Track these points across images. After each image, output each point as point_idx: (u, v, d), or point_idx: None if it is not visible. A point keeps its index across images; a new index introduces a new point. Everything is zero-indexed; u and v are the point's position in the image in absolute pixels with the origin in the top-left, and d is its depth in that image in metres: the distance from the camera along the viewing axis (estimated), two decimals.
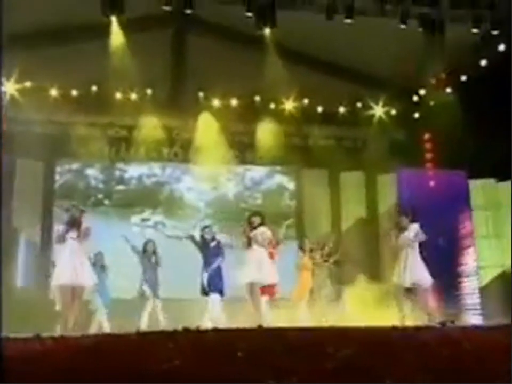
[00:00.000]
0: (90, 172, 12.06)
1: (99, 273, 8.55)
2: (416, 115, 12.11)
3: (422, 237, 7.76)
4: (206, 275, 8.51)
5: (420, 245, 7.95)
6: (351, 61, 11.44)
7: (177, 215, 12.15)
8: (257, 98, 11.88)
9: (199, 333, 4.80)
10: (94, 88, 11.26)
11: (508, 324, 6.37)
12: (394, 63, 10.62)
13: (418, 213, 8.38)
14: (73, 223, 6.80)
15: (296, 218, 12.46)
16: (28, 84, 10.89)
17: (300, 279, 9.82)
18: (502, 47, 9.99)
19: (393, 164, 11.47)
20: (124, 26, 9.92)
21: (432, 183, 11.70)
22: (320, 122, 12.24)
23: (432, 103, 11.59)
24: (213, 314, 8.22)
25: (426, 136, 12.04)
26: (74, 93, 11.26)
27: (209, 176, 12.11)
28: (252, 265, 7.17)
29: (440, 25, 9.50)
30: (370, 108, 12.24)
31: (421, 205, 9.83)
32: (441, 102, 11.14)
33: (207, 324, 7.61)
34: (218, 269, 8.62)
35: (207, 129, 11.84)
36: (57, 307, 7.43)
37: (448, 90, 11.22)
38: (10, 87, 10.79)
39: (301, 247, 10.47)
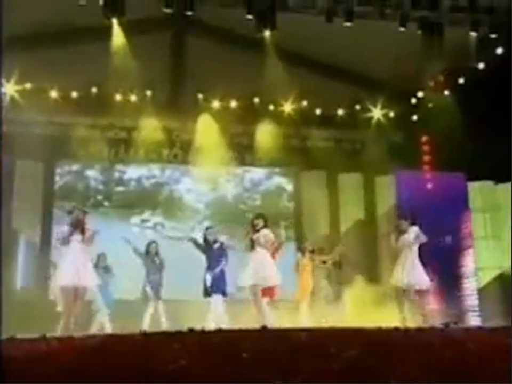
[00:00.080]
0: (90, 173, 12.09)
1: (102, 274, 8.57)
2: (415, 117, 12.16)
3: (423, 238, 7.80)
4: (209, 276, 8.53)
5: (420, 247, 8.00)
6: (350, 63, 11.51)
7: (176, 216, 12.19)
8: (256, 100, 11.93)
9: (204, 333, 4.83)
10: (94, 89, 11.30)
11: (509, 325, 6.43)
12: (393, 66, 10.68)
13: (417, 215, 8.43)
14: (77, 225, 6.82)
15: (295, 219, 12.53)
16: (28, 85, 10.93)
17: (300, 280, 9.85)
18: (500, 51, 10.03)
19: (392, 166, 11.51)
20: (124, 28, 9.93)
21: (430, 185, 11.74)
22: (319, 124, 12.29)
23: (430, 105, 11.64)
24: (216, 316, 8.24)
25: (425, 138, 12.08)
26: (74, 94, 11.30)
27: (208, 177, 12.14)
28: (255, 267, 7.20)
29: (439, 29, 9.56)
30: (369, 110, 12.29)
31: (419, 207, 9.88)
32: (439, 104, 11.19)
33: (210, 325, 7.63)
34: (221, 270, 8.64)
35: (206, 130, 11.88)
36: (59, 308, 7.45)
37: (447, 93, 11.28)
38: (11, 88, 10.82)
39: (300, 249, 10.51)
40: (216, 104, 11.84)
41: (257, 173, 12.76)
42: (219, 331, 5.26)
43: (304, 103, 12.00)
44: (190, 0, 9.11)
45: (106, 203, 12.00)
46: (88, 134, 11.54)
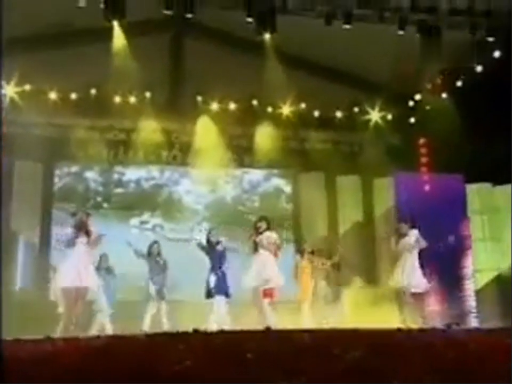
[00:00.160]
0: (89, 174, 12.08)
1: (104, 275, 8.59)
2: (413, 120, 12.21)
3: (423, 243, 7.84)
4: (212, 278, 8.55)
5: (420, 251, 8.04)
6: (348, 66, 11.55)
7: (175, 217, 12.20)
8: (255, 102, 11.97)
9: (208, 334, 4.85)
10: (93, 91, 11.31)
11: (509, 326, 6.48)
12: (391, 69, 10.73)
13: (416, 217, 8.47)
14: (81, 227, 6.84)
15: (293, 221, 12.56)
16: (27, 86, 10.93)
17: (300, 282, 9.88)
18: (497, 54, 10.09)
19: (390, 168, 11.56)
20: (123, 30, 9.95)
21: (428, 187, 11.79)
22: (317, 127, 12.34)
23: (428, 108, 11.69)
24: (218, 317, 8.26)
25: (423, 140, 12.14)
26: (73, 96, 11.31)
27: (207, 179, 12.17)
28: (258, 269, 7.23)
29: (437, 32, 9.62)
30: (367, 112, 12.34)
31: (417, 209, 9.94)
32: (437, 107, 11.25)
33: (212, 327, 7.66)
34: (224, 271, 8.67)
35: (205, 132, 11.90)
36: (60, 309, 7.47)
37: (444, 95, 11.34)
38: (10, 90, 10.82)
39: (299, 250, 10.54)
40: (215, 106, 11.88)
41: (256, 174, 12.79)
42: (223, 332, 5.29)
43: (303, 105, 12.05)
44: (190, 3, 9.15)
45: (105, 205, 12.00)
46: (88, 135, 11.55)
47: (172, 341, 4.15)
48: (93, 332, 8.37)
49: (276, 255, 7.55)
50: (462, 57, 10.61)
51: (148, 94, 11.53)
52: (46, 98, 11.14)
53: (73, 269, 6.76)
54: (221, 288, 8.51)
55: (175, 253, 9.91)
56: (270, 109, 12.07)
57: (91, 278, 7.00)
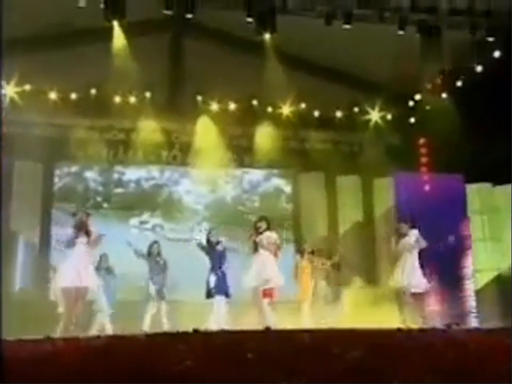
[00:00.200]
0: (89, 174, 12.09)
1: (104, 275, 8.59)
2: (413, 120, 12.22)
3: (423, 243, 7.85)
4: (212, 278, 8.55)
5: (420, 251, 8.04)
6: (348, 66, 11.55)
7: (175, 217, 12.21)
8: (255, 102, 11.98)
9: (208, 334, 4.86)
10: (93, 91, 11.32)
11: (509, 326, 6.49)
12: (391, 69, 10.73)
13: (416, 217, 8.48)
14: (81, 227, 6.85)
15: (293, 221, 12.56)
16: (27, 86, 10.94)
17: (300, 282, 9.89)
18: (497, 54, 10.09)
19: (390, 168, 11.57)
20: (123, 30, 9.96)
21: (428, 187, 11.80)
22: (317, 127, 12.35)
23: (428, 108, 11.70)
24: (219, 317, 8.27)
25: (423, 140, 12.15)
26: (73, 96, 11.31)
27: (207, 179, 12.18)
28: (258, 269, 7.24)
29: (437, 32, 9.62)
30: (367, 112, 12.34)
31: (417, 209, 9.95)
32: (437, 107, 11.25)
33: (212, 327, 7.66)
34: (224, 271, 8.67)
35: (205, 132, 11.91)
36: (60, 309, 7.47)
37: (444, 95, 11.34)
38: (10, 90, 10.83)
39: (299, 250, 10.55)
40: (215, 106, 11.88)
41: (255, 174, 12.80)
42: (223, 332, 5.30)
43: (303, 105, 12.06)
44: (190, 3, 9.15)
45: (105, 204, 12.01)
46: (87, 135, 11.56)
47: (172, 341, 4.15)
48: (93, 332, 8.38)
49: (275, 255, 7.56)
50: (462, 57, 10.63)
51: (147, 94, 11.55)
52: (46, 98, 11.16)
53: (73, 269, 6.76)
54: (221, 288, 8.51)
55: (175, 253, 9.92)
56: (270, 109, 12.09)
57: (91, 278, 7.00)
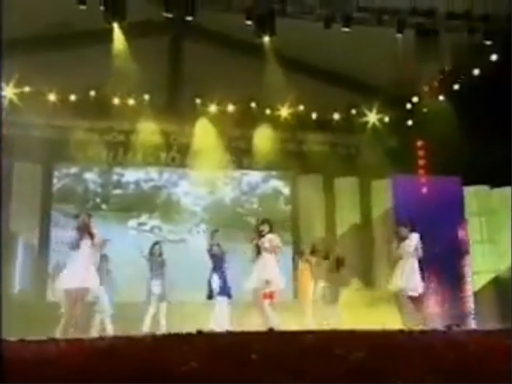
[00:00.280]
0: (88, 176, 12.13)
1: (104, 277, 8.60)
2: (410, 122, 12.28)
3: (420, 252, 7.89)
4: (213, 279, 8.58)
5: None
6: (346, 68, 11.61)
7: (174, 219, 12.25)
8: (254, 104, 12.01)
9: (213, 336, 4.89)
10: (93, 93, 11.34)
11: (509, 327, 6.53)
12: (389, 71, 10.78)
13: (414, 219, 8.51)
14: (84, 229, 6.87)
15: (292, 223, 12.60)
16: (27, 88, 10.95)
17: (299, 283, 9.92)
18: (494, 57, 10.15)
19: (388, 170, 11.62)
20: (123, 32, 9.99)
21: (426, 190, 11.84)
22: (315, 129, 12.39)
23: (426, 110, 11.76)
24: (221, 318, 8.29)
25: (421, 143, 12.20)
26: (73, 97, 11.33)
27: (206, 180, 12.23)
28: (259, 271, 7.28)
29: (435, 35, 9.68)
30: (365, 115, 12.40)
31: (416, 211, 9.99)
32: (435, 109, 11.30)
33: (214, 327, 7.70)
34: (225, 272, 8.70)
35: (204, 134, 11.95)
36: (62, 310, 7.49)
37: (442, 98, 11.40)
38: (10, 92, 10.84)
39: (298, 251, 10.58)
40: (213, 108, 11.92)
41: (254, 176, 12.85)
42: (227, 333, 5.32)
43: (301, 107, 12.10)
44: (190, 5, 9.18)
45: (104, 206, 12.04)
46: (87, 137, 11.60)
47: (176, 342, 4.17)
48: (94, 333, 8.38)
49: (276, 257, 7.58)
50: (459, 60, 10.70)
51: (147, 96, 11.57)
52: (46, 99, 11.18)
53: (76, 270, 6.78)
54: (223, 289, 8.54)
55: (174, 254, 9.91)
56: (268, 111, 12.13)
57: (94, 280, 7.02)
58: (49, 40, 10.85)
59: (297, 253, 10.63)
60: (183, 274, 9.69)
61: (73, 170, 12.09)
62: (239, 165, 12.51)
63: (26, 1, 9.10)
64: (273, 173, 12.90)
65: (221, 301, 8.47)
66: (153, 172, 12.45)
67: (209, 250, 8.75)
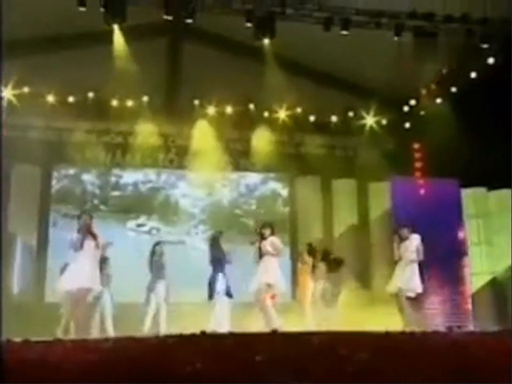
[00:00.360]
0: (86, 177, 12.13)
1: (105, 277, 8.60)
2: (408, 125, 12.33)
3: (420, 255, 7.93)
4: (213, 280, 8.60)
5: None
6: (345, 71, 11.64)
7: (172, 221, 12.26)
8: (252, 106, 12.06)
9: (217, 337, 4.91)
10: (91, 94, 11.36)
11: (509, 328, 6.59)
12: (387, 74, 10.82)
13: (412, 221, 8.56)
14: (86, 230, 6.90)
15: (290, 224, 12.63)
16: (26, 89, 10.96)
17: (298, 284, 9.95)
18: (492, 60, 10.21)
19: (385, 173, 11.66)
20: (123, 34, 10.01)
21: (424, 192, 11.89)
22: (313, 131, 12.44)
23: (423, 113, 11.82)
24: (221, 319, 8.31)
25: (418, 145, 12.25)
26: (71, 99, 11.35)
27: (204, 182, 12.24)
28: (261, 273, 7.31)
29: (433, 38, 9.73)
30: (362, 117, 12.45)
31: (413, 213, 10.04)
32: (433, 112, 11.36)
33: (214, 328, 7.71)
34: (225, 273, 8.72)
35: (202, 136, 11.98)
36: (62, 310, 7.51)
37: (440, 100, 11.46)
38: (9, 93, 10.85)
39: (296, 253, 10.61)
40: (212, 110, 11.95)
41: (252, 178, 12.87)
42: (232, 334, 5.34)
43: (299, 110, 12.14)
44: (190, 8, 9.22)
45: (102, 207, 12.04)
46: (85, 138, 11.64)
47: (181, 343, 4.20)
48: (95, 334, 8.39)
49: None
50: (457, 63, 10.76)
51: (145, 98, 11.61)
52: (44, 101, 11.19)
53: (78, 271, 6.81)
54: (224, 290, 8.56)
55: (172, 256, 9.93)
56: (266, 113, 12.18)
57: (95, 281, 7.05)
58: (48, 42, 10.83)
59: (296, 254, 10.64)
60: (182, 275, 9.73)
61: (72, 171, 12.09)
62: (237, 167, 12.54)
63: (26, 2, 9.11)
64: (272, 174, 12.93)
65: (222, 301, 8.49)
66: (151, 174, 12.46)
67: (211, 251, 8.77)
